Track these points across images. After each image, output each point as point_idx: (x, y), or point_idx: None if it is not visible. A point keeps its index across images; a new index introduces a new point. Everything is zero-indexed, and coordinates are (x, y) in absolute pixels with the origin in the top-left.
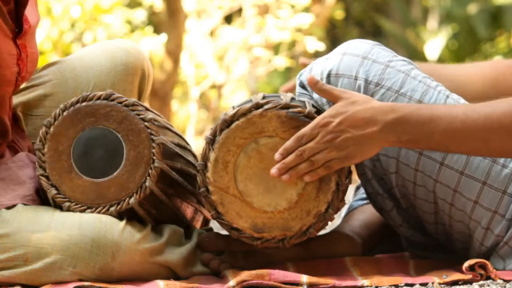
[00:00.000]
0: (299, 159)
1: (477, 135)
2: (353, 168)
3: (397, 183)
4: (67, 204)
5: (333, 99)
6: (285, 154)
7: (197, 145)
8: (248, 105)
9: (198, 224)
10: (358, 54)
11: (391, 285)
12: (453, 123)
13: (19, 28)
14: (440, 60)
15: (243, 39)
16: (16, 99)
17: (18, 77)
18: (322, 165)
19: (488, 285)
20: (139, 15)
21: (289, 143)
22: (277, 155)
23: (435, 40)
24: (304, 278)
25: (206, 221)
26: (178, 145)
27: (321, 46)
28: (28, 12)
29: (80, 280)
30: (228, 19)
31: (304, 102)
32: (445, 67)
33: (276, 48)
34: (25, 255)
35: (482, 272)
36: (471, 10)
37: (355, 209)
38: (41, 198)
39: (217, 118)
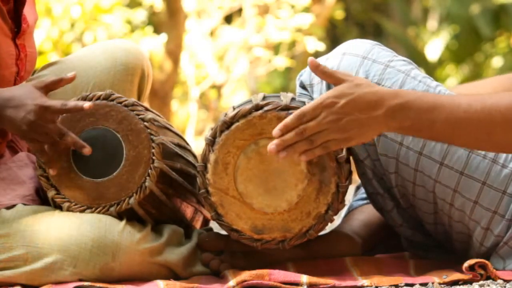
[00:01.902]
0: (299, 137)
1: (480, 126)
2: (353, 168)
3: (396, 183)
4: (67, 204)
5: (335, 82)
6: (285, 130)
7: (197, 145)
8: (248, 106)
9: (198, 224)
10: (358, 54)
11: (391, 285)
12: (456, 112)
13: (18, 27)
14: (441, 60)
15: (243, 39)
16: None
17: (17, 77)
18: (320, 145)
19: (488, 285)
20: (139, 15)
21: (289, 120)
22: (275, 131)
23: (436, 41)
24: (304, 278)
25: (206, 221)
26: (178, 145)
27: (321, 46)
28: (26, 11)
29: (80, 280)
30: (228, 19)
31: (304, 102)
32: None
33: (276, 48)
34: (25, 255)
35: (482, 272)
36: (474, 10)
37: (355, 209)
38: (41, 198)
39: (217, 118)
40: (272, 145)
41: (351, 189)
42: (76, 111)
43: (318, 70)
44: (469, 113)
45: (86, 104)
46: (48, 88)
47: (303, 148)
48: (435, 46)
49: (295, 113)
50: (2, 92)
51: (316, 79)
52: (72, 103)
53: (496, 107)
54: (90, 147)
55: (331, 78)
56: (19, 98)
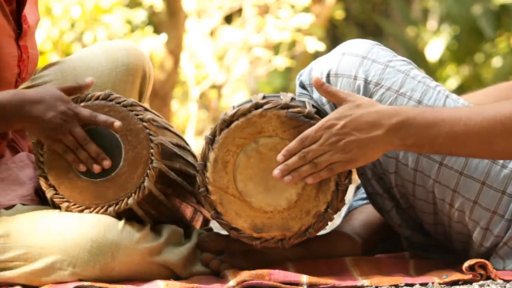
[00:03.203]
0: (302, 161)
1: (480, 137)
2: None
3: (396, 183)
4: (66, 204)
5: (338, 102)
6: (288, 155)
7: (197, 145)
8: (248, 105)
9: (198, 224)
10: (357, 54)
11: (391, 285)
12: (457, 126)
13: (20, 28)
14: (441, 60)
15: (243, 39)
16: None
17: (18, 78)
18: (325, 168)
19: (488, 285)
20: (139, 15)
21: (292, 144)
22: (279, 156)
23: (437, 42)
24: (304, 278)
25: (206, 221)
26: (177, 145)
27: (321, 46)
28: (27, 11)
29: (80, 280)
30: (228, 19)
31: (304, 102)
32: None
33: (276, 48)
34: (25, 255)
35: (482, 272)
36: (475, 10)
37: (355, 209)
38: (40, 198)
39: (217, 118)
40: (277, 171)
41: (351, 189)
42: (104, 125)
43: (322, 89)
44: (469, 126)
45: (117, 123)
46: (68, 93)
47: (308, 172)
48: (435, 47)
49: (297, 138)
50: (28, 93)
51: None
52: (103, 117)
53: (496, 117)
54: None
55: (334, 98)
56: (50, 100)
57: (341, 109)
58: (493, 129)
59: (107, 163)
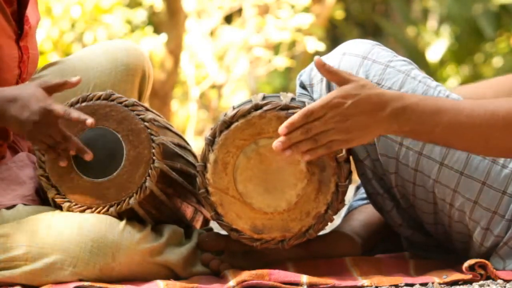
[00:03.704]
0: (304, 136)
1: (480, 131)
2: (353, 168)
3: (396, 183)
4: (67, 204)
5: (340, 80)
6: (291, 128)
7: (197, 145)
8: (248, 106)
9: (198, 224)
10: (358, 54)
11: (391, 285)
12: (459, 116)
13: (20, 29)
14: (441, 61)
15: (243, 39)
16: None
17: (19, 79)
18: (324, 144)
19: (488, 285)
20: (139, 15)
21: (295, 118)
22: (282, 128)
23: (438, 43)
24: (304, 278)
25: (206, 221)
26: (178, 145)
27: (321, 46)
28: (28, 12)
29: (80, 280)
30: (228, 19)
31: (304, 102)
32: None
33: (276, 48)
34: (25, 255)
35: (482, 272)
36: (476, 10)
37: (355, 209)
38: (41, 198)
39: (217, 118)
40: (277, 142)
41: (351, 189)
42: (78, 122)
43: (324, 68)
44: (471, 118)
45: (89, 120)
46: (52, 90)
47: (307, 147)
48: (437, 48)
49: (302, 111)
50: (5, 91)
51: (316, 79)
52: (75, 113)
53: (497, 112)
54: (91, 147)
55: (336, 78)
56: (24, 98)
57: (347, 87)
58: (494, 123)
59: (88, 156)
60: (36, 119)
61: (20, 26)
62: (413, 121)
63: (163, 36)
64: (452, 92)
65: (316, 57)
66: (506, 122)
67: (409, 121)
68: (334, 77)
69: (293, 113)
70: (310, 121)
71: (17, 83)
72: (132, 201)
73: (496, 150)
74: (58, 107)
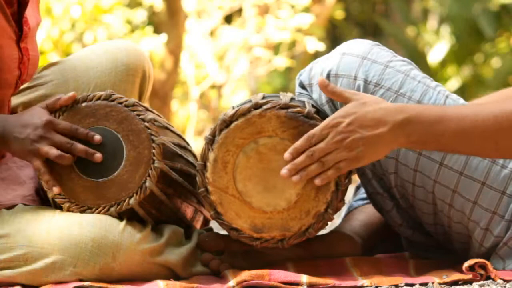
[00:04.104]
0: (310, 160)
1: (487, 135)
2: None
3: (396, 183)
4: (67, 204)
5: (343, 101)
6: (295, 154)
7: (197, 145)
8: (248, 105)
9: (198, 224)
10: (357, 54)
11: (391, 285)
12: (463, 122)
13: (21, 31)
14: (443, 62)
15: (243, 39)
16: (17, 99)
17: (19, 80)
18: (332, 167)
19: (488, 285)
20: (139, 15)
21: (299, 143)
22: (287, 155)
23: (440, 45)
24: (304, 278)
25: (206, 221)
26: (178, 145)
27: (321, 46)
28: (29, 13)
29: (80, 280)
30: (228, 19)
31: (303, 102)
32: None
33: (276, 48)
34: (26, 255)
35: (482, 272)
36: (475, 10)
37: (355, 209)
38: (41, 198)
39: (217, 118)
40: (284, 170)
41: (351, 189)
42: (79, 122)
43: (328, 89)
44: (476, 123)
45: (97, 137)
46: (49, 108)
47: (316, 171)
48: (439, 50)
49: (304, 136)
50: (9, 118)
51: (315, 79)
52: (84, 131)
53: (502, 114)
54: (91, 147)
55: (339, 97)
56: (27, 118)
57: (347, 107)
58: (500, 126)
59: (98, 155)
60: (38, 133)
61: (20, 27)
62: (418, 132)
63: (163, 36)
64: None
65: (321, 78)
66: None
67: (414, 132)
68: (337, 97)
69: (293, 112)
70: (313, 144)
71: (16, 84)
72: (132, 201)
73: (508, 153)
74: (64, 123)
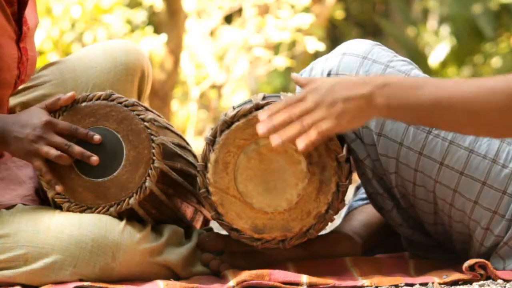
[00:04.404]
0: (288, 119)
1: (467, 106)
2: (353, 168)
3: (396, 183)
4: (67, 204)
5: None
6: (272, 114)
7: (197, 145)
8: (248, 106)
9: (198, 224)
10: (358, 54)
11: (391, 285)
12: (443, 90)
13: (20, 30)
14: (443, 63)
15: (243, 39)
16: (16, 99)
17: (18, 80)
18: (313, 126)
19: (488, 285)
20: (139, 15)
21: (277, 104)
22: (262, 114)
23: (441, 47)
24: (304, 278)
25: (206, 221)
26: (178, 145)
27: (321, 46)
28: (27, 14)
29: (80, 280)
30: (228, 19)
31: None
32: None
33: (276, 48)
34: (25, 255)
35: (482, 272)
36: (475, 10)
37: (355, 209)
38: (40, 198)
39: (217, 118)
40: (260, 125)
41: (351, 189)
42: (85, 139)
43: (300, 82)
44: (455, 89)
45: (97, 137)
46: (49, 108)
47: (295, 131)
48: (440, 52)
49: (283, 99)
50: (9, 118)
51: None
52: (83, 131)
53: (482, 87)
54: (91, 148)
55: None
56: (26, 118)
57: (326, 78)
58: (481, 98)
59: (94, 158)
60: (37, 134)
61: (19, 27)
62: (397, 96)
63: (163, 36)
64: None
65: (292, 74)
66: (490, 99)
67: (393, 96)
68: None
69: None
70: (292, 105)
71: (15, 84)
72: (132, 201)
73: (485, 129)
74: (63, 122)
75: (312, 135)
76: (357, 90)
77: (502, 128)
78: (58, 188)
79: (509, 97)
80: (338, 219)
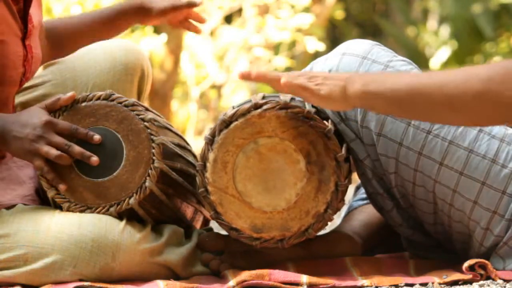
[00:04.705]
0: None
1: (441, 90)
2: (353, 168)
3: (396, 183)
4: (67, 204)
5: (274, 79)
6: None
7: (197, 145)
8: (247, 105)
9: (198, 224)
10: (357, 54)
11: (391, 285)
12: (419, 76)
13: (26, 28)
14: (444, 63)
15: (243, 39)
16: (16, 99)
17: (23, 77)
18: (289, 77)
19: (488, 285)
20: None
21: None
22: (240, 71)
23: (443, 49)
24: (304, 278)
25: (206, 221)
26: (178, 145)
27: (321, 46)
28: (32, 11)
29: (80, 280)
30: (228, 19)
31: (303, 102)
32: None
33: (276, 48)
34: (25, 255)
35: (482, 272)
36: (475, 10)
37: (355, 209)
38: (40, 198)
39: (217, 118)
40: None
41: (351, 189)
42: (85, 138)
43: (253, 77)
44: (432, 77)
45: (96, 137)
46: (49, 108)
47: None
48: (441, 55)
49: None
50: (9, 117)
51: None
52: (83, 131)
53: (459, 74)
54: (91, 148)
55: (265, 78)
56: (26, 117)
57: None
58: (454, 81)
59: (94, 159)
60: (37, 133)
61: (25, 25)
62: (374, 80)
63: (163, 36)
64: None
65: (238, 72)
66: (461, 89)
67: (370, 81)
68: (264, 78)
69: (293, 112)
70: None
71: (21, 81)
72: (132, 201)
73: (466, 115)
74: (63, 122)
75: (285, 78)
76: (337, 75)
77: (477, 115)
78: (62, 186)
79: (485, 82)
80: (338, 219)
